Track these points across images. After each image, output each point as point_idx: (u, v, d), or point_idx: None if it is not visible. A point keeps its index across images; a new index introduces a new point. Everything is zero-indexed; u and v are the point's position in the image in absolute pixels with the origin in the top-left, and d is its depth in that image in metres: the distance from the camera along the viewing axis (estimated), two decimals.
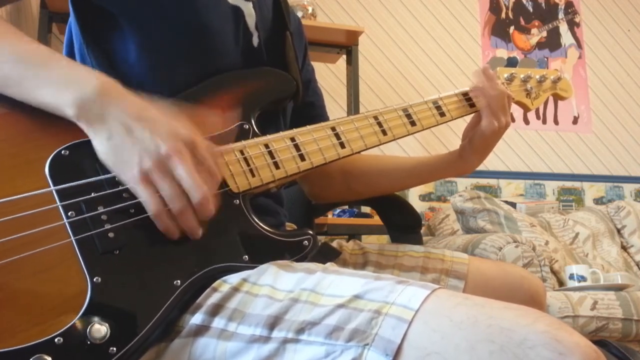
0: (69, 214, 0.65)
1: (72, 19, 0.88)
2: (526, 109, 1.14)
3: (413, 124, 0.95)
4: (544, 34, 3.66)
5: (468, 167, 1.05)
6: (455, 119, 1.01)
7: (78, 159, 0.69)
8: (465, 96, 1.03)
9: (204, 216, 0.69)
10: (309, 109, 1.09)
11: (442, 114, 0.99)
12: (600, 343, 1.71)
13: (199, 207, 0.67)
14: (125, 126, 0.67)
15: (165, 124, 0.68)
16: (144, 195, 0.66)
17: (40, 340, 0.58)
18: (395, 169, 1.09)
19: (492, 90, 1.01)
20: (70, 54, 0.90)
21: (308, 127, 0.85)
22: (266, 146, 0.80)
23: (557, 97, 1.18)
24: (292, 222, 1.09)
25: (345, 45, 2.91)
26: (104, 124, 0.67)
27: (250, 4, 0.92)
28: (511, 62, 1.18)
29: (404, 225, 1.17)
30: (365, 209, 2.67)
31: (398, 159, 1.11)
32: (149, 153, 0.66)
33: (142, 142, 0.66)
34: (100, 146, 0.67)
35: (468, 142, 1.03)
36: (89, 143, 0.69)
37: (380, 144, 0.92)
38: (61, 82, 0.68)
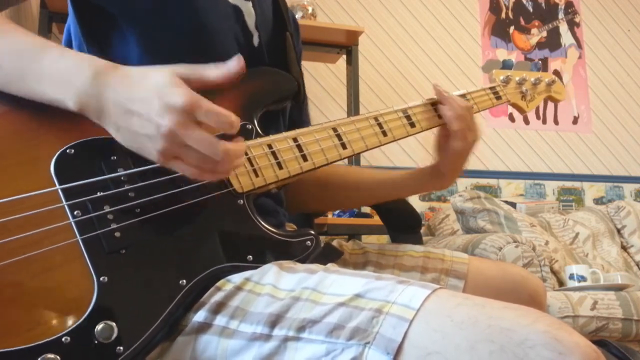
0: (75, 213, 0.65)
1: (71, 18, 0.88)
2: (522, 111, 1.15)
3: (412, 125, 0.96)
4: (544, 34, 3.66)
5: (441, 184, 1.02)
6: None
7: (83, 158, 0.69)
8: (464, 99, 1.04)
9: (237, 159, 0.68)
10: (298, 113, 1.09)
11: (441, 116, 0.99)
12: (600, 343, 1.72)
13: (225, 160, 0.66)
14: (124, 112, 0.65)
15: (157, 99, 0.64)
16: (178, 170, 0.66)
17: (47, 340, 0.58)
18: (368, 183, 1.08)
19: (449, 111, 0.96)
20: None
21: (310, 127, 0.86)
22: (269, 146, 0.81)
23: (551, 100, 1.19)
24: (291, 222, 1.09)
25: (345, 45, 2.91)
26: (107, 115, 0.66)
27: (250, 4, 0.92)
28: (506, 65, 1.18)
29: (404, 225, 1.17)
30: (365, 209, 2.67)
31: (371, 172, 1.10)
32: (154, 136, 0.64)
33: (142, 128, 0.64)
34: (118, 138, 0.67)
35: (439, 160, 1.00)
36: (94, 142, 0.69)
37: (381, 145, 0.92)
38: (56, 77, 0.67)
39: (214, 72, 0.70)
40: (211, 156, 0.64)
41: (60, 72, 0.67)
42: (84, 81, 0.66)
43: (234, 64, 0.71)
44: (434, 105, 1.00)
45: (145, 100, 0.64)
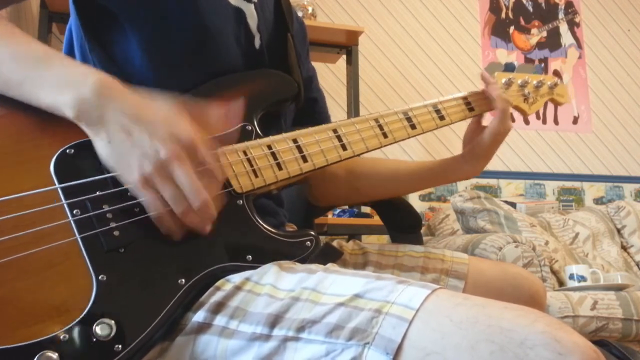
0: (74, 212, 0.66)
1: (73, 19, 0.88)
2: (524, 114, 1.15)
3: (413, 127, 0.96)
4: (544, 34, 3.66)
5: (473, 171, 1.05)
6: (454, 122, 1.02)
7: (83, 158, 0.69)
8: (465, 100, 1.04)
9: (206, 220, 0.69)
10: (313, 105, 1.10)
11: (442, 118, 1.00)
12: (601, 343, 1.72)
13: (199, 211, 0.68)
14: (123, 129, 0.67)
15: (164, 126, 0.68)
16: (145, 199, 0.67)
17: (45, 337, 0.59)
18: (400, 172, 1.09)
19: (497, 93, 1.03)
20: (70, 54, 0.90)
21: (310, 128, 0.86)
22: (269, 147, 0.81)
23: (554, 103, 1.19)
24: (291, 222, 1.09)
25: (345, 45, 2.91)
26: (103, 126, 0.67)
27: (252, 6, 0.92)
28: (509, 67, 1.19)
29: (404, 225, 1.17)
30: (365, 209, 2.67)
31: (403, 162, 1.11)
32: (148, 157, 0.66)
33: (140, 146, 0.66)
34: (101, 149, 0.68)
35: (473, 147, 1.04)
36: None
37: (382, 147, 0.93)
38: (59, 83, 0.68)
39: (215, 113, 0.74)
40: (190, 198, 0.66)
41: (65, 78, 0.68)
42: (88, 89, 0.67)
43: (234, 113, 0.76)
44: (435, 107, 1.00)
45: (152, 123, 0.67)
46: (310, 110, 1.08)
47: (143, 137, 0.66)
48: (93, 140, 0.68)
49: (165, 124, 0.68)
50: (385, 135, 0.92)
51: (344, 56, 2.96)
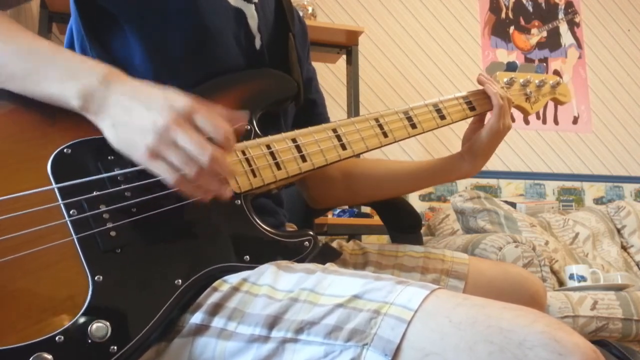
0: (71, 212, 0.65)
1: (73, 20, 0.88)
2: (526, 113, 1.15)
3: (414, 126, 0.96)
4: (544, 34, 3.66)
5: (471, 170, 1.05)
6: (455, 122, 1.02)
7: (80, 157, 0.69)
8: (465, 99, 1.04)
9: (222, 172, 0.67)
10: (312, 107, 1.10)
11: (443, 117, 0.99)
12: (601, 343, 1.72)
13: (211, 167, 0.66)
14: (124, 109, 0.67)
15: (160, 98, 0.67)
16: (158, 171, 0.66)
17: (40, 339, 0.58)
18: (398, 172, 1.09)
19: (501, 92, 1.03)
20: None
21: (309, 128, 0.86)
22: (268, 147, 0.81)
23: (556, 102, 1.18)
24: (291, 222, 1.09)
25: (345, 45, 2.90)
26: (106, 111, 0.67)
27: (253, 6, 0.92)
28: (510, 67, 1.19)
29: (404, 225, 1.17)
30: (365, 209, 2.67)
31: (401, 163, 1.11)
32: (148, 130, 0.65)
33: (139, 120, 0.66)
34: (109, 136, 0.68)
35: (471, 145, 1.04)
36: (91, 141, 0.69)
37: (382, 146, 0.92)
38: (65, 74, 0.69)
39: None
40: (197, 157, 0.65)
41: (72, 69, 0.69)
42: (94, 78, 0.68)
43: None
44: (436, 106, 1.00)
45: (150, 97, 0.67)
46: (309, 111, 1.07)
47: (141, 112, 0.66)
48: (101, 129, 0.68)
49: (160, 96, 0.68)
50: (385, 135, 0.92)
51: (344, 56, 2.96)
